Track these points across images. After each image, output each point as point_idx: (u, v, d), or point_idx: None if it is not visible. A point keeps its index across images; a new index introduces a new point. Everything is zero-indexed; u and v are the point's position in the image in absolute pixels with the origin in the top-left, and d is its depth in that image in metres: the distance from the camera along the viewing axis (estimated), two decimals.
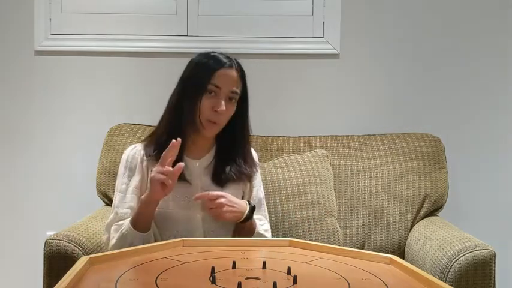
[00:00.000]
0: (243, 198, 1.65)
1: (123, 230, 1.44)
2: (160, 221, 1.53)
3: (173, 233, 1.52)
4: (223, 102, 1.51)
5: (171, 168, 1.37)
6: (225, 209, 1.50)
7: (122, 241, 1.44)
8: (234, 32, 2.31)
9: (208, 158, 1.61)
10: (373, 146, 2.11)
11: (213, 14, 2.32)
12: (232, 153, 1.61)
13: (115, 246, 1.45)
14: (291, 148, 2.12)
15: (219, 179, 1.58)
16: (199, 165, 1.59)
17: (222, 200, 1.50)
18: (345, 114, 2.33)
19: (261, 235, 1.60)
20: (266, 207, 1.74)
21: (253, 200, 1.66)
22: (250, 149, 1.67)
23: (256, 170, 1.69)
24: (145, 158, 1.57)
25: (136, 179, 1.55)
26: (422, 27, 2.32)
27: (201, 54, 1.59)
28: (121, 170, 1.59)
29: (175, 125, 1.54)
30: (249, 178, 1.65)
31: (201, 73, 1.54)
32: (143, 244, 1.31)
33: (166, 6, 2.32)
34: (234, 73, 1.54)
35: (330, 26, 2.31)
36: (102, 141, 2.08)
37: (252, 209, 1.55)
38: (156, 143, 1.56)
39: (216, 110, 1.51)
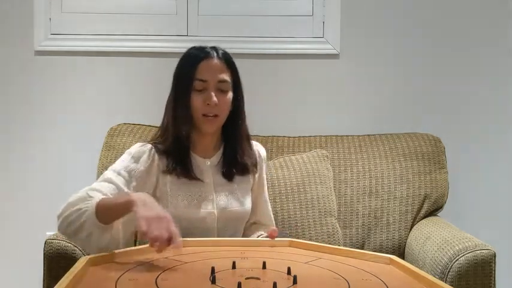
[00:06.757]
0: (252, 188, 1.66)
1: (87, 203, 1.32)
2: (174, 221, 1.50)
3: (187, 232, 1.50)
4: (213, 94, 1.51)
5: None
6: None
7: (77, 203, 1.34)
8: (234, 32, 2.31)
9: (218, 155, 1.61)
10: (373, 146, 2.11)
11: (213, 14, 2.32)
12: (234, 147, 1.61)
13: (67, 205, 1.37)
14: (291, 148, 2.12)
15: (228, 174, 1.59)
16: (211, 164, 1.59)
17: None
18: (345, 114, 2.33)
19: None
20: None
21: (262, 197, 1.70)
22: (248, 138, 1.64)
23: (263, 162, 1.70)
24: (154, 151, 1.53)
25: (140, 168, 1.50)
26: (422, 27, 2.31)
27: (184, 54, 1.59)
28: (125, 156, 1.53)
29: (177, 124, 1.53)
30: (253, 167, 1.64)
31: (185, 71, 1.54)
32: (95, 229, 1.24)
33: (166, 6, 2.32)
34: (216, 62, 1.53)
35: (330, 26, 2.31)
36: (102, 141, 2.08)
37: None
38: (164, 142, 1.54)
39: (208, 104, 1.51)
